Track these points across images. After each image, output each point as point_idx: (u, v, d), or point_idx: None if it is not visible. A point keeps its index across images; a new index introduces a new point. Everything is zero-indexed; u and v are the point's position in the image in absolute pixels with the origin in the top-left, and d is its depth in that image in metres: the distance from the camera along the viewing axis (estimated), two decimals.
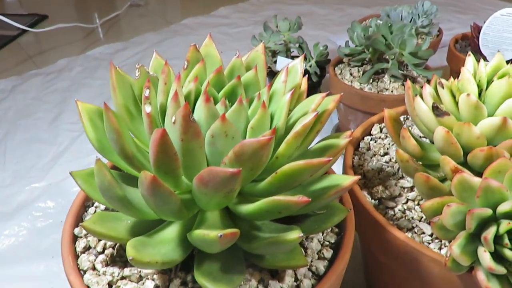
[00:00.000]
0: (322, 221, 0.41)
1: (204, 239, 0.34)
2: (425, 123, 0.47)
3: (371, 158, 0.56)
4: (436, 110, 0.45)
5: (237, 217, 0.41)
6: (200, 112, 0.38)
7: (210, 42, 0.48)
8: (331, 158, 0.35)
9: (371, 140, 0.60)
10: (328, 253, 0.44)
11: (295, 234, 0.35)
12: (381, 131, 0.61)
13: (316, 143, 0.44)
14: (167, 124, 0.38)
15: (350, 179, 0.38)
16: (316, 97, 0.43)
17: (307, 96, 0.45)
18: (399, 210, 0.48)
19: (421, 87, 0.50)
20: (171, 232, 0.40)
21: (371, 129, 0.62)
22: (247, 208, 0.37)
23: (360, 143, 0.59)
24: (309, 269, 0.43)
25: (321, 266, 0.43)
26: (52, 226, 0.81)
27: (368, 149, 0.58)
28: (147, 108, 0.38)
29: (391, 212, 0.48)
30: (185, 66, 0.44)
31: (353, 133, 0.60)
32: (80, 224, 0.38)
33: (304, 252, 0.44)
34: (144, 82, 0.43)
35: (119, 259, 0.44)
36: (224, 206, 0.39)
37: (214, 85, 0.43)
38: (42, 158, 0.98)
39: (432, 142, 0.51)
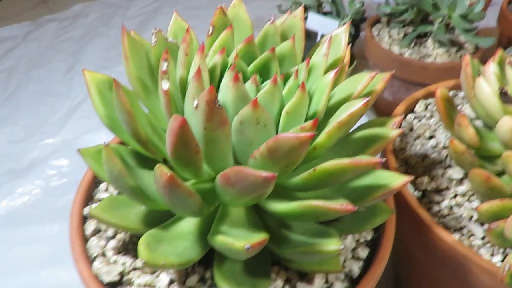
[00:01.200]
0: (362, 221, 0.36)
1: (229, 248, 0.29)
2: (486, 109, 0.41)
3: (414, 141, 0.50)
4: (504, 96, 0.38)
5: (266, 212, 0.36)
6: (226, 93, 0.32)
7: (240, 2, 0.41)
8: (383, 160, 0.29)
9: (414, 118, 0.53)
10: (363, 252, 0.40)
11: (333, 245, 0.30)
12: (426, 108, 0.54)
13: (356, 128, 0.38)
14: (187, 104, 0.32)
15: (400, 180, 0.33)
16: (363, 77, 0.36)
17: None
18: (445, 206, 0.43)
19: (479, 61, 0.43)
20: (190, 224, 0.36)
21: (414, 106, 0.55)
22: (278, 207, 0.32)
23: (402, 122, 0.53)
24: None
25: (355, 268, 0.38)
26: (66, 186, 0.78)
27: (411, 129, 0.52)
28: (165, 85, 0.32)
29: (436, 208, 0.43)
30: (210, 32, 0.38)
31: (395, 111, 0.53)
32: (87, 213, 0.34)
33: None
34: (161, 50, 0.37)
35: (131, 246, 0.40)
36: (252, 204, 0.34)
37: (243, 56, 0.36)
38: (55, 112, 0.93)
39: (487, 127, 0.45)
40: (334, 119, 0.33)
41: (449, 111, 0.44)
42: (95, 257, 0.39)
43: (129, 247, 0.40)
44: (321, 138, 0.32)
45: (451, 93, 0.56)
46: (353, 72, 0.59)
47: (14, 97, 0.96)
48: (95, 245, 0.40)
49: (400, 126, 0.52)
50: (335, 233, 0.31)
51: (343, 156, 0.36)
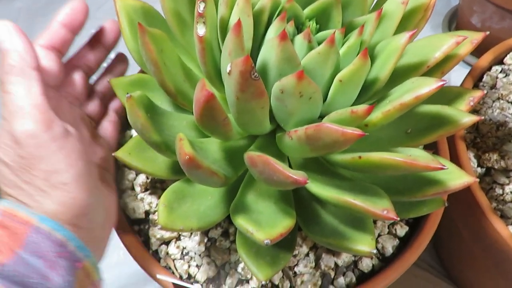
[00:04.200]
0: (406, 207, 0.32)
1: (248, 236, 0.26)
2: None
3: (493, 102, 0.42)
4: None
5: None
6: (270, 50, 0.26)
7: None
8: (445, 167, 0.24)
9: (500, 72, 0.44)
10: (401, 230, 0.36)
11: (366, 246, 0.27)
12: None
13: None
14: (223, 60, 0.27)
15: (461, 180, 0.27)
16: (446, 40, 0.29)
17: None
18: (510, 191, 0.37)
19: None
20: None
21: (504, 57, 0.45)
22: (313, 187, 0.28)
23: (484, 76, 0.44)
24: None
25: (389, 246, 0.35)
26: None
27: (493, 86, 0.44)
28: (200, 30, 0.27)
29: (498, 191, 0.37)
30: None
31: (479, 61, 0.44)
32: (113, 154, 0.32)
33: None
34: None
35: (159, 185, 0.39)
36: None
37: None
38: None
39: None
40: (396, 97, 0.27)
41: None
42: (124, 190, 0.39)
43: (157, 186, 0.39)
44: (376, 116, 0.27)
45: None
46: None
47: None
48: (125, 176, 0.39)
49: (474, 72, 0.44)
50: (371, 229, 0.28)
51: (400, 132, 0.31)
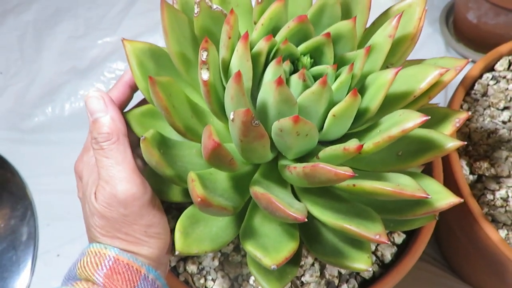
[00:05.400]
0: (400, 222, 0.35)
1: (257, 261, 0.29)
2: None
3: (484, 110, 0.45)
4: None
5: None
6: (268, 92, 0.29)
7: None
8: (429, 196, 0.27)
9: (491, 79, 0.47)
10: (399, 238, 0.39)
11: (363, 264, 0.30)
12: (509, 67, 0.47)
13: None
14: (227, 102, 0.30)
15: (448, 200, 0.30)
16: (430, 71, 0.31)
17: None
18: (500, 196, 0.40)
19: None
20: None
21: (495, 64, 0.47)
22: (313, 210, 0.31)
23: (476, 84, 0.46)
24: (374, 253, 0.39)
25: (388, 253, 0.39)
26: None
27: (484, 94, 0.46)
28: (204, 75, 0.30)
29: (489, 196, 0.40)
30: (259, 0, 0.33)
31: (470, 70, 0.47)
32: None
33: None
34: (205, 20, 0.33)
35: (174, 205, 0.42)
36: None
37: (294, 35, 0.32)
38: (114, 5, 0.91)
39: None
40: (385, 129, 0.30)
41: None
42: None
43: (172, 206, 0.42)
44: (368, 146, 0.30)
45: None
46: None
47: None
48: None
49: (466, 80, 0.46)
50: (368, 248, 0.31)
51: (392, 155, 0.34)
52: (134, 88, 0.37)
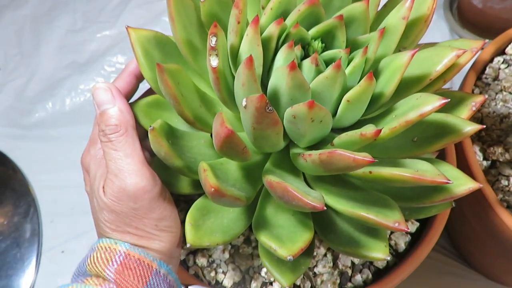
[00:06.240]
0: (416, 210, 0.34)
1: (271, 251, 0.29)
2: None
3: (496, 94, 0.44)
4: None
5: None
6: (280, 78, 0.28)
7: None
8: (450, 181, 0.26)
9: (502, 63, 0.46)
10: (413, 227, 0.38)
11: (380, 253, 0.29)
12: None
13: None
14: (237, 88, 0.29)
15: (468, 185, 0.29)
16: (446, 54, 0.30)
17: None
18: None
19: None
20: None
21: (506, 47, 0.46)
22: (329, 202, 0.30)
23: (487, 68, 0.45)
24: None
25: (401, 242, 0.38)
26: None
27: (496, 78, 0.45)
28: (213, 62, 0.29)
29: (504, 182, 0.39)
30: None
31: (481, 54, 0.46)
32: None
33: None
34: (212, 6, 0.32)
35: (182, 198, 0.41)
36: None
37: (304, 18, 0.31)
38: None
39: None
40: (401, 113, 0.29)
41: None
42: None
43: (180, 199, 0.41)
44: (384, 132, 0.29)
45: None
46: None
47: None
48: None
49: (477, 64, 0.45)
50: (385, 236, 0.30)
51: (407, 140, 0.33)
52: (139, 78, 0.36)
